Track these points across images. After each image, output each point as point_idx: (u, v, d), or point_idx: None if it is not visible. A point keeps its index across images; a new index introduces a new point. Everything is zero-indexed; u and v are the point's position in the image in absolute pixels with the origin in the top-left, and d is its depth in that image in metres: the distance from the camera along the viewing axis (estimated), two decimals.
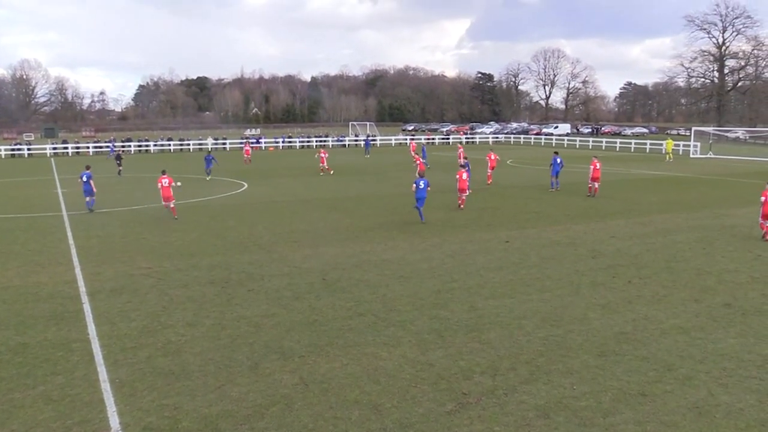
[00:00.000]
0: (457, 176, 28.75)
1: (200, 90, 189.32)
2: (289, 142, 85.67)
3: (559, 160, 35.71)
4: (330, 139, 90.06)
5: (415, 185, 25.37)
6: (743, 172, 46.94)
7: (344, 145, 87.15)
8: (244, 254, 19.42)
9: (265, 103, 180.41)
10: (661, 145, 72.17)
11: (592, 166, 33.59)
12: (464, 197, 28.97)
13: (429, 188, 25.52)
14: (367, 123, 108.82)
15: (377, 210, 28.56)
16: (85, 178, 27.69)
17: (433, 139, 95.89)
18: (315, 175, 45.27)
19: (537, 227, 24.17)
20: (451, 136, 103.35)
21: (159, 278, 16.55)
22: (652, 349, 11.63)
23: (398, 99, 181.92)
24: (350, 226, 24.46)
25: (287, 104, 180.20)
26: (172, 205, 26.51)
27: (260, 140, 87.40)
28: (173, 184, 26.56)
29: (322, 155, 47.26)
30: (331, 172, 45.91)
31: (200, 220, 25.76)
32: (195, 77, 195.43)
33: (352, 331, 12.51)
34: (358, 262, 18.34)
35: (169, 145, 78.26)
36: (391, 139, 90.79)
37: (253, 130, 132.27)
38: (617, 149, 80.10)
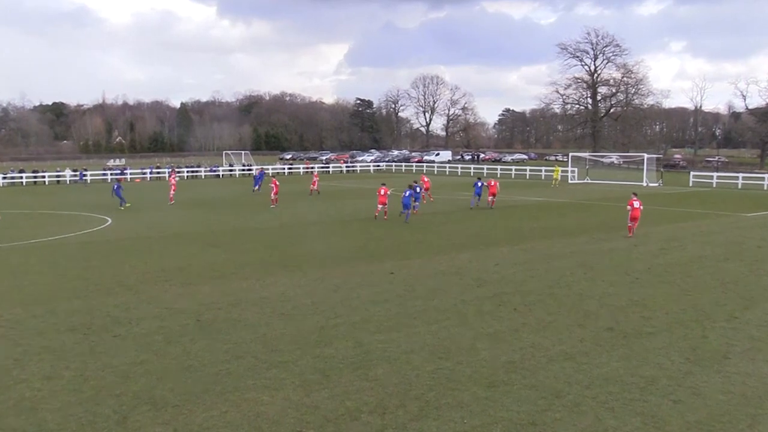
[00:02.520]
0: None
1: (56, 117, 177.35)
2: (158, 172, 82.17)
3: (480, 184, 42.36)
4: (203, 169, 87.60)
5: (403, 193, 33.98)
6: (618, 196, 48.50)
7: (218, 176, 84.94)
8: (108, 297, 17.94)
9: (130, 132, 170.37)
10: (540, 171, 76.49)
11: (488, 184, 41.62)
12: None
13: (412, 197, 34.39)
14: (243, 152, 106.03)
15: (255, 244, 27.57)
16: None
17: (312, 167, 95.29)
18: (188, 207, 43.58)
19: (422, 257, 24.09)
20: (331, 165, 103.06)
21: (10, 327, 14.96)
22: (540, 377, 11.61)
23: (275, 126, 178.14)
24: (226, 261, 23.39)
25: (155, 132, 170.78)
26: None
27: (125, 171, 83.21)
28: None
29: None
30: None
31: (57, 261, 23.69)
32: (50, 103, 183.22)
33: (230, 376, 11.73)
34: (236, 300, 17.42)
35: (21, 177, 72.57)
36: (268, 169, 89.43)
37: (117, 160, 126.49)
38: (498, 175, 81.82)
